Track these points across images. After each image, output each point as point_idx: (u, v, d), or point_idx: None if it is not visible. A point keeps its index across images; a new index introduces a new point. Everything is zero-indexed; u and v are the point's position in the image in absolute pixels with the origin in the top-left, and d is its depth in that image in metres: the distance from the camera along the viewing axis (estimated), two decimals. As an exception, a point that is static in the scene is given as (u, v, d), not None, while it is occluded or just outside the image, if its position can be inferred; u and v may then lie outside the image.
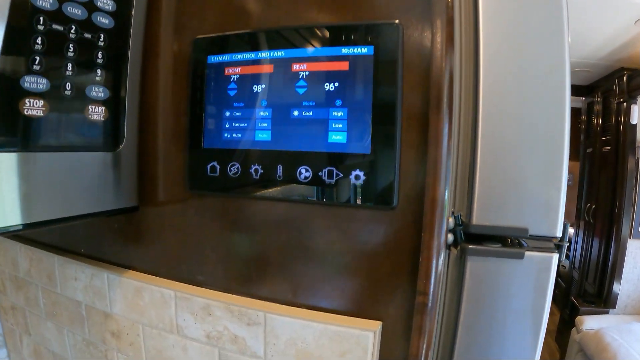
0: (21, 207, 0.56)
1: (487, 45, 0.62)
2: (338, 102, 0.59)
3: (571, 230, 3.22)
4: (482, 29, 0.61)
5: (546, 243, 0.66)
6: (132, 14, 0.68)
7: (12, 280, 1.01)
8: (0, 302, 1.09)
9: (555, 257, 0.66)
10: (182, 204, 0.72)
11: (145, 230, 0.76)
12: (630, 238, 2.58)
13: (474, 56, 0.63)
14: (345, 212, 0.63)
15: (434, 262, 0.59)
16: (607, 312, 2.65)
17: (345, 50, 0.59)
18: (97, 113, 0.63)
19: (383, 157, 0.59)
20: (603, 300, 2.68)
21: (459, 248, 0.67)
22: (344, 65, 0.59)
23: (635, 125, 2.54)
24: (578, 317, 2.57)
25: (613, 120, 2.69)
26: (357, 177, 0.60)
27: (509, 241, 0.66)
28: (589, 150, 3.10)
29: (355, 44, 0.59)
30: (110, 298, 0.80)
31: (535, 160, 0.64)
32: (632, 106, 2.51)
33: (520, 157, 0.64)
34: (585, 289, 2.97)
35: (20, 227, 0.56)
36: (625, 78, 2.58)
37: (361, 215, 0.62)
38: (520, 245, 0.67)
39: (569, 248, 3.25)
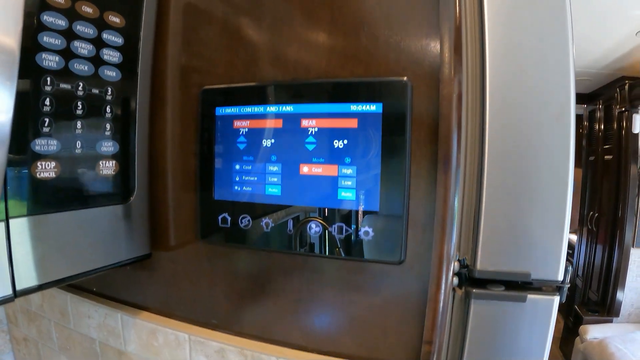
0: (35, 269, 0.55)
1: (493, 96, 0.62)
2: (347, 160, 0.59)
3: (574, 237, 3.20)
4: (489, 86, 0.60)
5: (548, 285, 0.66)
6: (139, 65, 0.67)
7: (23, 312, 1.01)
8: (12, 332, 1.09)
9: (557, 299, 0.67)
10: (194, 252, 0.71)
11: (158, 274, 0.75)
12: (633, 247, 2.57)
13: (480, 107, 0.63)
14: (355, 265, 0.62)
15: (440, 314, 0.59)
16: (611, 321, 2.63)
17: (354, 107, 0.58)
18: (107, 168, 0.63)
19: (392, 214, 0.59)
20: (607, 309, 2.67)
21: (463, 290, 0.66)
22: (352, 123, 0.58)
23: (637, 134, 2.52)
24: (582, 327, 2.56)
25: (615, 128, 2.67)
26: (366, 234, 0.59)
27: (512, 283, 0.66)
28: (592, 158, 3.08)
29: (364, 100, 0.58)
30: (125, 337, 0.80)
31: (538, 206, 0.64)
32: (634, 115, 2.49)
33: (524, 205, 0.64)
34: (588, 297, 2.96)
35: (35, 288, 0.55)
36: (626, 87, 2.56)
37: (370, 269, 0.62)
38: (523, 287, 0.66)
39: (572, 255, 3.24)
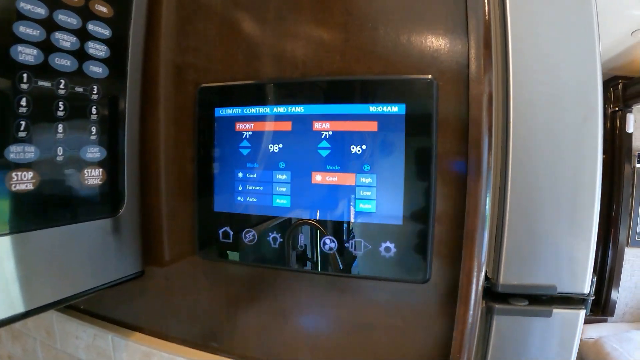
0: (20, 294, 0.48)
1: (517, 97, 0.57)
2: (366, 167, 0.52)
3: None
4: (513, 86, 0.55)
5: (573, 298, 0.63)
6: (128, 60, 0.60)
7: (7, 329, 0.93)
8: (-6, 350, 1.00)
9: (582, 313, 0.65)
10: (191, 268, 0.64)
11: (152, 292, 0.68)
12: (627, 246, 2.57)
13: (504, 108, 0.58)
14: (373, 285, 0.56)
15: (468, 334, 0.54)
16: (606, 321, 2.63)
17: (373, 109, 0.52)
18: (93, 177, 0.56)
19: (416, 228, 0.53)
20: (601, 309, 2.66)
21: (485, 305, 0.62)
22: (372, 126, 0.52)
23: (631, 134, 2.52)
24: (577, 327, 2.55)
25: (609, 127, 2.66)
26: (387, 250, 0.53)
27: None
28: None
29: (384, 101, 0.52)
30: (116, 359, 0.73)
31: (564, 215, 0.60)
32: (628, 115, 2.49)
33: (549, 214, 0.60)
34: (582, 296, 2.95)
35: (20, 316, 0.49)
36: (620, 87, 2.55)
37: (390, 288, 0.56)
38: (546, 301, 0.64)
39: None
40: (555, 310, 0.62)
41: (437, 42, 0.53)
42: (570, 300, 0.64)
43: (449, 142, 0.52)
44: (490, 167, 0.52)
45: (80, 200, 0.54)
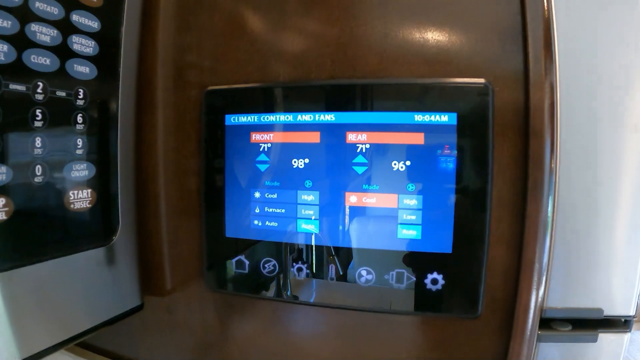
0: (11, 341, 0.40)
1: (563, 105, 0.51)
2: (410, 187, 0.45)
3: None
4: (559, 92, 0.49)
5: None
6: (121, 58, 0.50)
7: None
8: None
9: (628, 336, 0.62)
10: (198, 300, 0.56)
11: (152, 326, 0.59)
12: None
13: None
14: (416, 321, 0.49)
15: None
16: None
17: (419, 118, 0.44)
18: (81, 200, 0.46)
19: (468, 256, 0.45)
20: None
21: None
22: (417, 138, 0.44)
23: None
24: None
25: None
26: (434, 282, 0.46)
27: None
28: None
29: (432, 109, 0.44)
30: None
31: (611, 236, 0.56)
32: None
33: (596, 233, 0.56)
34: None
35: None
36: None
37: (435, 325, 0.49)
38: (591, 324, 0.61)
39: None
40: (601, 335, 0.59)
41: (488, 41, 0.46)
42: (613, 323, 0.61)
43: (505, 158, 0.45)
44: (553, 187, 0.44)
45: (66, 229, 0.45)
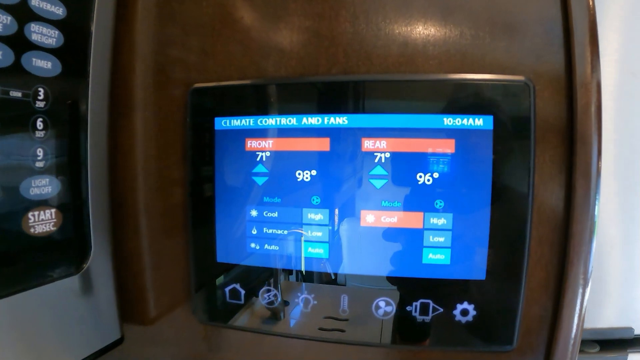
0: None
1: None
2: (439, 204, 0.38)
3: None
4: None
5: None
6: (91, 51, 0.43)
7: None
8: None
9: None
10: (186, 331, 0.48)
11: (135, 357, 0.51)
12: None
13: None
14: (441, 356, 0.42)
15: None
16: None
17: (449, 122, 0.37)
18: (43, 222, 0.39)
19: (503, 283, 0.39)
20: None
21: None
22: (447, 145, 0.38)
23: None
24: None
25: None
26: (464, 313, 0.39)
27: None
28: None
29: (464, 111, 0.37)
30: None
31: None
32: None
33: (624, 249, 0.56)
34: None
35: None
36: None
37: (463, 358, 0.42)
38: (618, 344, 0.60)
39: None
40: (630, 356, 0.59)
41: (527, 34, 0.39)
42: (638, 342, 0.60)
43: (547, 168, 0.39)
44: (599, 200, 0.39)
45: (27, 258, 0.38)
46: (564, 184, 0.39)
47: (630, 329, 0.59)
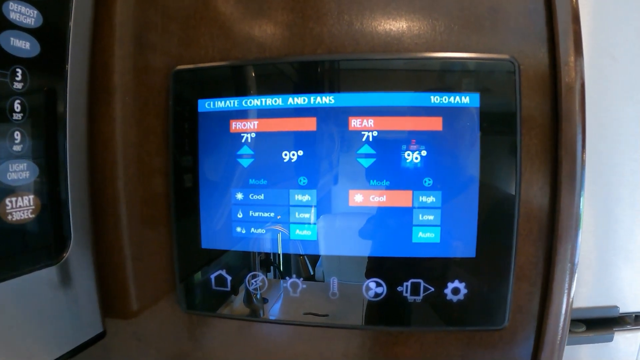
0: None
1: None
2: (427, 182, 0.39)
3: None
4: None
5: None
6: (70, 31, 0.43)
7: None
8: None
9: None
10: (171, 323, 0.48)
11: (119, 356, 0.51)
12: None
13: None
14: (435, 337, 0.43)
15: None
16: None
17: (435, 99, 0.39)
18: (21, 209, 0.39)
19: (494, 260, 0.40)
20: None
21: None
22: (435, 123, 0.39)
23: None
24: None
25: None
26: (455, 291, 0.41)
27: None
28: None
29: (450, 89, 0.39)
30: None
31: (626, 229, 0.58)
32: None
33: (612, 227, 0.59)
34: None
35: None
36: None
37: (455, 340, 0.44)
38: (605, 323, 0.63)
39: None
40: (616, 335, 0.61)
41: (511, 11, 0.41)
42: (626, 320, 0.64)
43: (533, 145, 0.41)
44: (584, 178, 0.40)
45: (4, 247, 0.37)
46: (550, 161, 0.40)
47: (616, 308, 0.61)
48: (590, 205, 0.55)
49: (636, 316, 0.65)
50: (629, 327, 0.63)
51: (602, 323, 0.61)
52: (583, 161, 0.40)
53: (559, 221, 0.40)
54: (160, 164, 0.47)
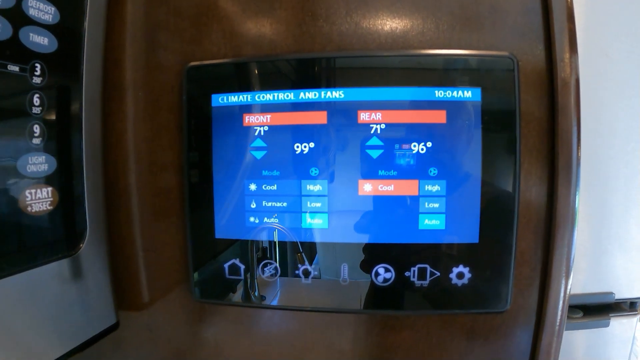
0: None
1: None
2: (433, 172, 0.42)
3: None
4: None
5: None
6: (85, 28, 0.45)
7: None
8: None
9: (638, 317, 0.67)
10: (184, 313, 0.50)
11: (132, 347, 0.53)
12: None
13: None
14: (439, 320, 0.46)
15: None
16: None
17: (440, 94, 0.42)
18: (40, 200, 0.40)
19: (496, 246, 0.43)
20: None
21: None
22: (439, 116, 0.42)
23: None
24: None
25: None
26: (459, 276, 0.43)
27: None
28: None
29: (454, 84, 0.42)
30: None
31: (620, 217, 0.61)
32: None
33: (607, 215, 0.62)
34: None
35: None
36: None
37: (459, 323, 0.47)
38: (601, 309, 0.66)
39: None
40: (612, 320, 0.64)
41: (509, 10, 0.44)
42: (621, 306, 0.67)
43: (532, 137, 0.44)
44: (580, 168, 0.44)
45: (22, 238, 0.39)
46: (548, 152, 0.43)
47: (611, 294, 0.65)
48: (586, 195, 0.58)
49: (631, 302, 0.68)
50: (624, 313, 0.66)
51: (598, 309, 0.64)
52: (579, 153, 0.43)
53: (557, 209, 0.43)
54: (172, 158, 0.49)
